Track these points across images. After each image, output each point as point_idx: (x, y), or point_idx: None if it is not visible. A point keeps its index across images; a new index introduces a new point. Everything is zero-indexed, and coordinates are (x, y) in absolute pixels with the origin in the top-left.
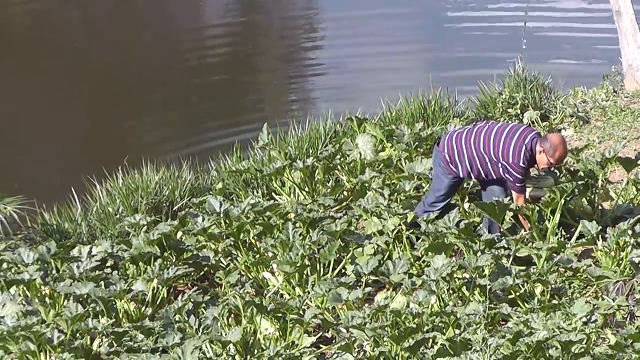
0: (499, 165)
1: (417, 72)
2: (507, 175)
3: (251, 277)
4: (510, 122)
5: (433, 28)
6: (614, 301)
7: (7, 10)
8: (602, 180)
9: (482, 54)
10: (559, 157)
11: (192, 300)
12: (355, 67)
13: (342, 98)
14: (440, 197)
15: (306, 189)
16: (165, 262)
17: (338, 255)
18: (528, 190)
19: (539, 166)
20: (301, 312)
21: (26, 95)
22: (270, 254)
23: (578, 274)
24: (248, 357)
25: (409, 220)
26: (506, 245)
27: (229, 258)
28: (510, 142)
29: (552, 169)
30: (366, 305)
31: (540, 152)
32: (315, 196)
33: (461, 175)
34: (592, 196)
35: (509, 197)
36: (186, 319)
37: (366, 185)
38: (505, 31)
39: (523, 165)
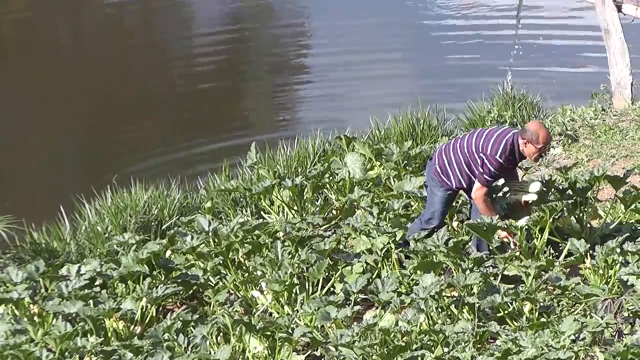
0: (478, 159)
1: (406, 88)
2: (480, 168)
3: (240, 296)
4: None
5: (422, 42)
6: (602, 319)
7: None
8: (590, 199)
9: (472, 69)
10: (544, 139)
11: (181, 319)
12: (344, 83)
13: (331, 116)
14: (434, 214)
15: (295, 208)
16: (154, 281)
17: (327, 273)
18: (514, 196)
19: (531, 158)
20: (290, 330)
21: (13, 114)
22: (259, 273)
23: (566, 292)
24: None
25: (397, 238)
26: (494, 264)
27: (218, 277)
28: (492, 136)
29: (541, 158)
30: (355, 323)
31: (525, 143)
32: (304, 215)
33: (453, 186)
34: (581, 214)
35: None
36: (175, 337)
37: (355, 203)
38: (494, 46)
39: (500, 160)
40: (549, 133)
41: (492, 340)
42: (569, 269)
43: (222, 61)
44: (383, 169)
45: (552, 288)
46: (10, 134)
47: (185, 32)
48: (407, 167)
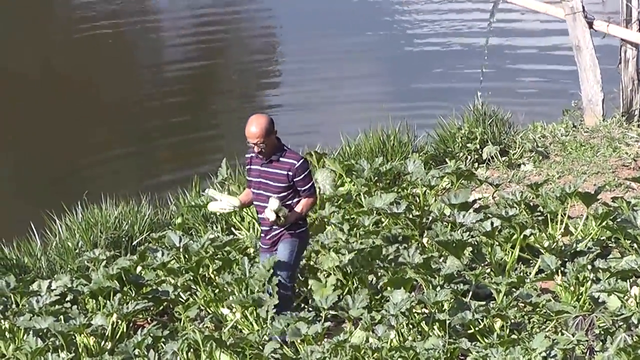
0: None
1: (376, 105)
2: None
3: (210, 312)
4: None
5: (392, 61)
6: (573, 336)
7: None
8: (561, 215)
9: (443, 85)
10: (246, 134)
11: (151, 334)
12: (314, 102)
13: (301, 133)
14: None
15: None
16: (124, 297)
17: (297, 289)
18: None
19: None
20: (260, 346)
21: None
22: (229, 289)
23: (537, 309)
24: None
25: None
26: (465, 280)
27: (189, 293)
28: None
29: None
30: (325, 339)
31: None
32: None
33: None
34: (552, 231)
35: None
36: (145, 353)
37: (325, 220)
38: (465, 63)
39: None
40: (250, 127)
41: (462, 357)
42: (540, 286)
43: (193, 75)
44: (353, 185)
45: (523, 305)
46: None
47: (157, 59)
48: (378, 184)
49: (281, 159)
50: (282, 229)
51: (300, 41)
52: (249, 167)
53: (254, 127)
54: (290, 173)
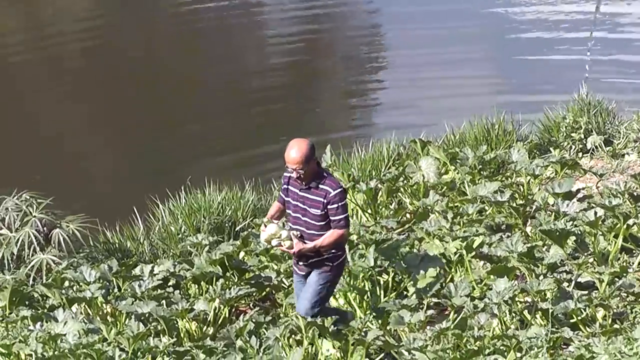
0: None
1: (480, 96)
2: None
3: None
4: None
5: (497, 51)
6: None
7: (61, 40)
8: None
9: (547, 77)
10: (285, 158)
11: (253, 320)
12: (418, 91)
13: (405, 121)
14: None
15: (369, 211)
16: (227, 282)
17: (400, 277)
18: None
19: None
20: (363, 333)
21: (92, 119)
22: None
23: None
24: None
25: (474, 245)
26: (569, 270)
27: (291, 279)
28: None
29: (299, 179)
30: (428, 327)
31: None
32: (378, 218)
33: None
34: None
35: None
36: (247, 339)
37: (429, 208)
38: (569, 55)
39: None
40: (288, 154)
41: (565, 346)
42: None
43: (296, 63)
44: (457, 173)
45: (625, 295)
46: (85, 136)
47: (258, 34)
48: (482, 172)
49: (320, 185)
50: (316, 257)
51: (406, 29)
52: (286, 186)
53: (294, 152)
54: (325, 201)
